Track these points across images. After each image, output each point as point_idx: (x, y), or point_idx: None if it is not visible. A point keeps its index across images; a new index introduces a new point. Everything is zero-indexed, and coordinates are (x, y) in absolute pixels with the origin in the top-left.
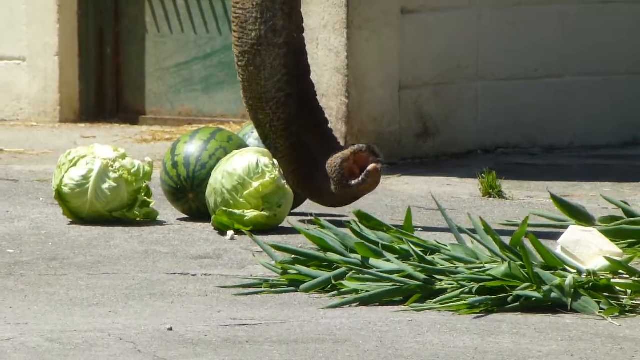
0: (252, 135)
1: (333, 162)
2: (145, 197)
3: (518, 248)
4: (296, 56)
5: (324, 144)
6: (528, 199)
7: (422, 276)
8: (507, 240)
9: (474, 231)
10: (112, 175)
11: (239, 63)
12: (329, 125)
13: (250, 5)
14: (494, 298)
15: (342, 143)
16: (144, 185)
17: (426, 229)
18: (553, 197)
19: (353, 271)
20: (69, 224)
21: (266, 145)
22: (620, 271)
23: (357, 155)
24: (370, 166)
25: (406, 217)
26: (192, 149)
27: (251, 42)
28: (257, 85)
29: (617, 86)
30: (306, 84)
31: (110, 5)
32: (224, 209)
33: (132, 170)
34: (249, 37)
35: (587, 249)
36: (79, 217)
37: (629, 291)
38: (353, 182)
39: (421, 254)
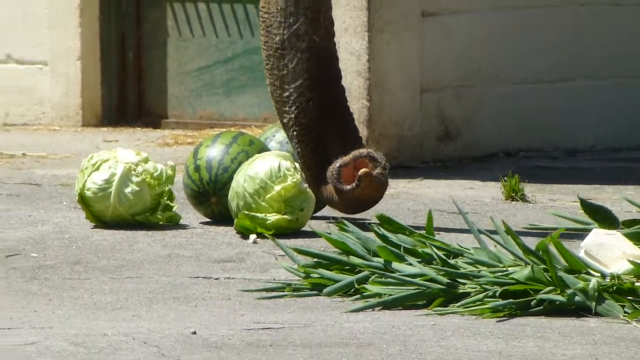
0: (273, 139)
1: (332, 166)
2: (168, 201)
3: (541, 251)
4: (321, 61)
5: (348, 152)
6: (551, 202)
7: (445, 280)
8: (530, 243)
9: (496, 234)
10: (134, 179)
11: (266, 67)
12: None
13: (275, 10)
14: (518, 302)
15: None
16: (167, 189)
17: (449, 233)
18: (581, 200)
19: (376, 275)
20: (92, 228)
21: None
22: None
23: (357, 160)
24: (361, 171)
25: (427, 221)
26: (214, 152)
27: (275, 46)
28: (281, 89)
29: None
30: (335, 89)
31: (132, 9)
32: (246, 212)
33: (155, 174)
34: (274, 41)
35: (611, 252)
36: (102, 221)
37: None
38: (347, 187)
39: (444, 257)
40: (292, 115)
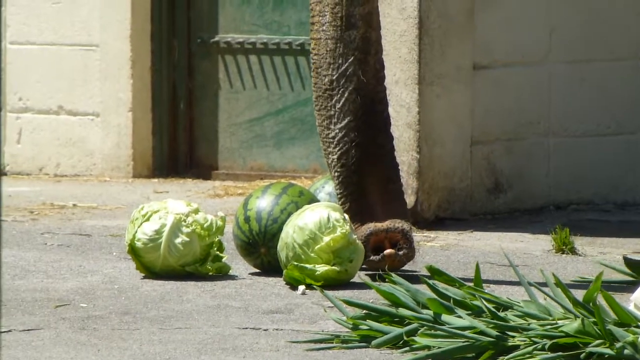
0: (323, 190)
1: (364, 230)
2: (218, 252)
3: (591, 304)
4: (369, 105)
5: (387, 204)
6: (601, 256)
7: (495, 332)
8: (579, 296)
9: (546, 287)
10: (184, 229)
11: (315, 108)
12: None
13: (324, 51)
14: (567, 355)
15: (414, 199)
16: (217, 239)
17: (499, 285)
18: (625, 258)
19: (425, 327)
20: (141, 279)
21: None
22: None
23: (389, 233)
24: (387, 251)
25: (475, 274)
26: (264, 203)
27: (324, 87)
28: (327, 129)
29: None
30: (382, 136)
31: (184, 61)
32: (295, 263)
33: (205, 225)
34: (323, 82)
35: None
36: (151, 272)
37: None
38: (371, 257)
39: (494, 310)
40: (335, 157)
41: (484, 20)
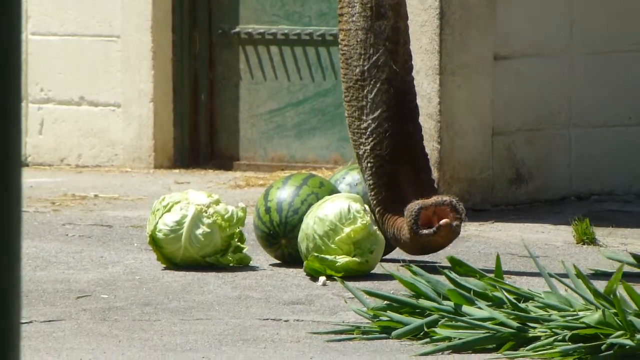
0: (343, 181)
1: (412, 206)
2: (239, 243)
3: (611, 295)
4: (400, 95)
5: (421, 194)
6: (622, 246)
7: (515, 324)
8: (601, 287)
9: (567, 278)
10: (205, 220)
11: (345, 99)
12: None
13: (355, 42)
14: (588, 346)
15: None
16: (237, 230)
17: (520, 276)
18: (633, 254)
19: (446, 318)
20: (162, 270)
21: (364, 181)
22: None
23: (438, 207)
24: (443, 220)
25: (496, 265)
26: (285, 194)
27: (355, 77)
28: (359, 120)
29: None
30: (412, 126)
31: (205, 52)
32: (316, 254)
33: (226, 216)
34: (353, 72)
35: None
36: (172, 263)
37: None
38: (424, 231)
39: (514, 301)
40: (368, 147)
41: (505, 11)
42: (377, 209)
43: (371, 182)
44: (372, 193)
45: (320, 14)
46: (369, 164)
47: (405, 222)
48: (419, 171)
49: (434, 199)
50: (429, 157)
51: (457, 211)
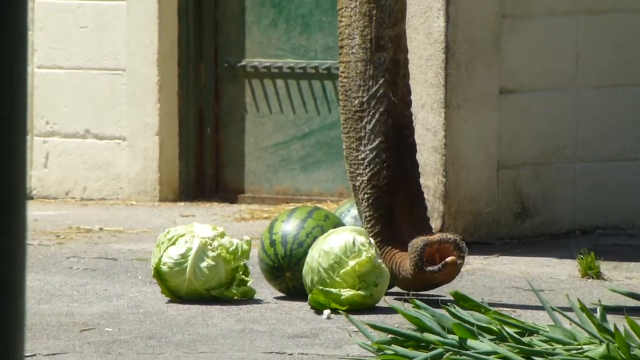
0: (348, 214)
1: (417, 242)
2: (243, 276)
3: (614, 329)
4: (398, 127)
5: (415, 229)
6: (627, 280)
7: (519, 358)
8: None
9: (572, 312)
10: (210, 253)
11: (343, 130)
12: (427, 205)
13: (354, 74)
14: None
15: (440, 222)
16: (242, 263)
17: (525, 310)
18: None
19: (450, 352)
20: (167, 303)
21: (359, 213)
22: None
23: (442, 244)
24: (449, 258)
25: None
26: (290, 227)
27: (354, 109)
28: (357, 151)
29: None
30: (409, 162)
31: (211, 85)
32: (321, 287)
33: (231, 249)
34: (352, 104)
35: None
36: (177, 296)
37: None
38: (429, 268)
39: (517, 335)
40: (365, 178)
41: (510, 45)
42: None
43: (368, 214)
44: (369, 225)
45: (326, 47)
46: (365, 195)
47: (407, 257)
48: (413, 206)
49: (438, 235)
50: (435, 190)
51: (460, 249)
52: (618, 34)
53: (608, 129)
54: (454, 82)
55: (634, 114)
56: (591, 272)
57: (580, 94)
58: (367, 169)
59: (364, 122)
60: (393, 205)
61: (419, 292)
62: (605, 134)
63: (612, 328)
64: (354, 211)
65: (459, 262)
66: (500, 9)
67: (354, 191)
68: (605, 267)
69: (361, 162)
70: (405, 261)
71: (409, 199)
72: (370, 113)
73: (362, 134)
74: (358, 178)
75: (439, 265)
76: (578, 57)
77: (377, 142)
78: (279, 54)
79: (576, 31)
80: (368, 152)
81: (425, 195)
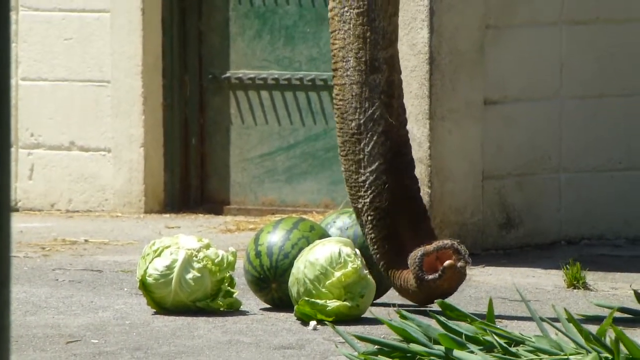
0: (334, 225)
1: (414, 254)
2: (229, 287)
3: (608, 339)
4: (396, 147)
5: (421, 244)
6: (613, 291)
7: None
8: (592, 331)
9: (558, 322)
10: (196, 265)
11: (341, 153)
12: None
13: (350, 96)
14: None
15: None
16: (228, 275)
17: (511, 320)
18: (635, 292)
19: None
20: (152, 314)
21: (364, 235)
22: None
23: (440, 251)
24: (447, 262)
25: (488, 309)
26: (275, 238)
27: (351, 131)
28: (356, 173)
29: None
30: (409, 179)
31: (195, 96)
32: (307, 298)
33: (216, 260)
34: (349, 126)
35: None
36: (162, 307)
37: None
38: (429, 276)
39: (505, 345)
40: (367, 200)
41: (494, 56)
42: (381, 263)
43: (372, 235)
44: (375, 247)
45: (311, 59)
46: (369, 217)
47: (410, 270)
48: (418, 222)
49: (435, 243)
50: None
51: (459, 253)
52: (602, 44)
53: (593, 139)
54: (438, 93)
55: (619, 124)
56: (577, 283)
57: (564, 104)
58: (369, 192)
59: (362, 144)
60: (397, 225)
61: (405, 303)
62: (590, 144)
63: (597, 339)
64: (340, 222)
65: (458, 265)
66: (484, 19)
67: (356, 213)
68: (591, 277)
69: (362, 184)
70: (410, 275)
71: (413, 217)
72: (368, 135)
73: (361, 156)
74: (360, 200)
75: (439, 272)
76: (562, 68)
77: (376, 164)
78: (263, 65)
79: (560, 42)
80: (368, 174)
81: (428, 214)
